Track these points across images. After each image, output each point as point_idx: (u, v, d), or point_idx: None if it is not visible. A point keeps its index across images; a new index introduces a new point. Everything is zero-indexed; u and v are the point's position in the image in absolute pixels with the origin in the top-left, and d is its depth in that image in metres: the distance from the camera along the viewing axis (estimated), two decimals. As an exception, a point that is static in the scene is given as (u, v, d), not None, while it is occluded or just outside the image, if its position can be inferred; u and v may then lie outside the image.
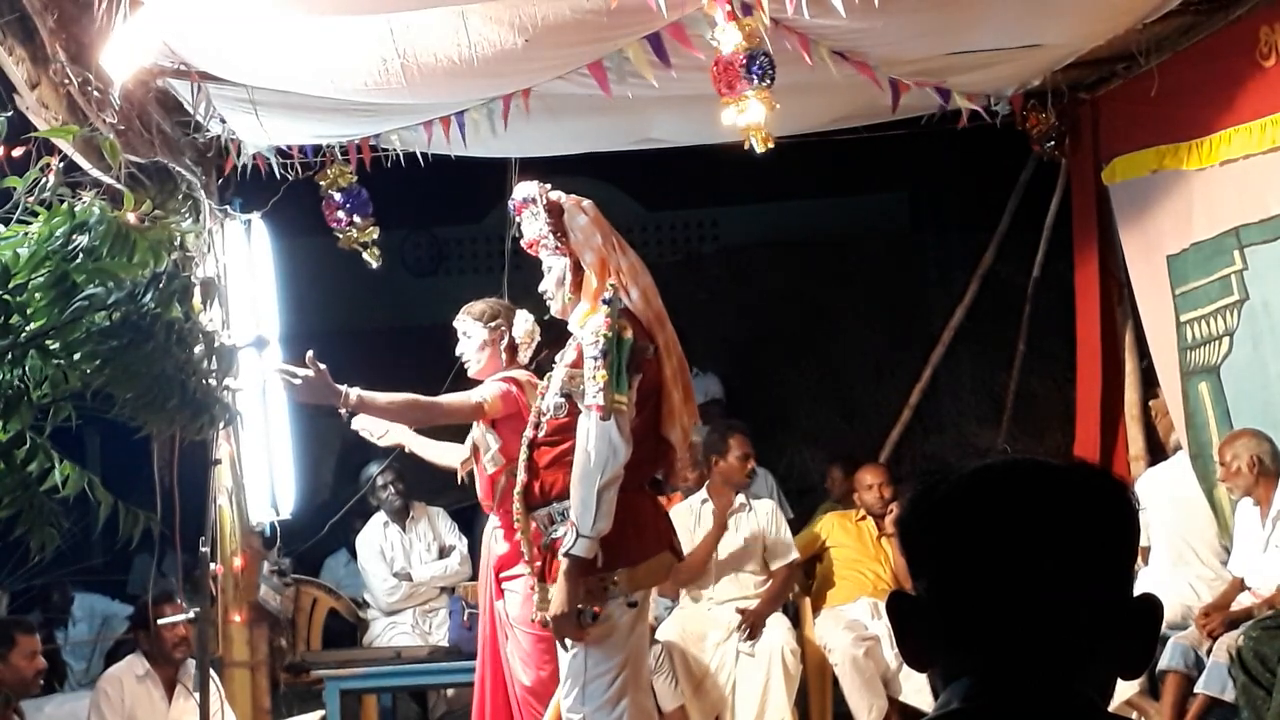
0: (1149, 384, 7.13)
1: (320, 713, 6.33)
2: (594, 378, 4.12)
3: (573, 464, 4.20)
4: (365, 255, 6.52)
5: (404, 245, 11.44)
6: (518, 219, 4.44)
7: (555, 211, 4.36)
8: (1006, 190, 8.13)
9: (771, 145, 4.42)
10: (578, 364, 4.22)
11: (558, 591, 4.19)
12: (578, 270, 4.36)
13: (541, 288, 4.48)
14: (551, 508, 4.34)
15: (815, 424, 9.65)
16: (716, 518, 6.72)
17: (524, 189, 4.43)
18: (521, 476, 4.44)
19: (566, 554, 4.16)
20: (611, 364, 4.11)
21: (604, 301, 4.23)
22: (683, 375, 4.40)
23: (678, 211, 11.78)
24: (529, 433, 4.47)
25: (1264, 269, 6.06)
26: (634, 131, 6.44)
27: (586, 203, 4.40)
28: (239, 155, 6.11)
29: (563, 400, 4.32)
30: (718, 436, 6.84)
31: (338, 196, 6.42)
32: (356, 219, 6.45)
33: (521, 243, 4.48)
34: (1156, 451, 6.94)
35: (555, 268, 4.41)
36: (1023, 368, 8.24)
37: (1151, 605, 1.44)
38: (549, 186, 4.44)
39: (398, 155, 6.29)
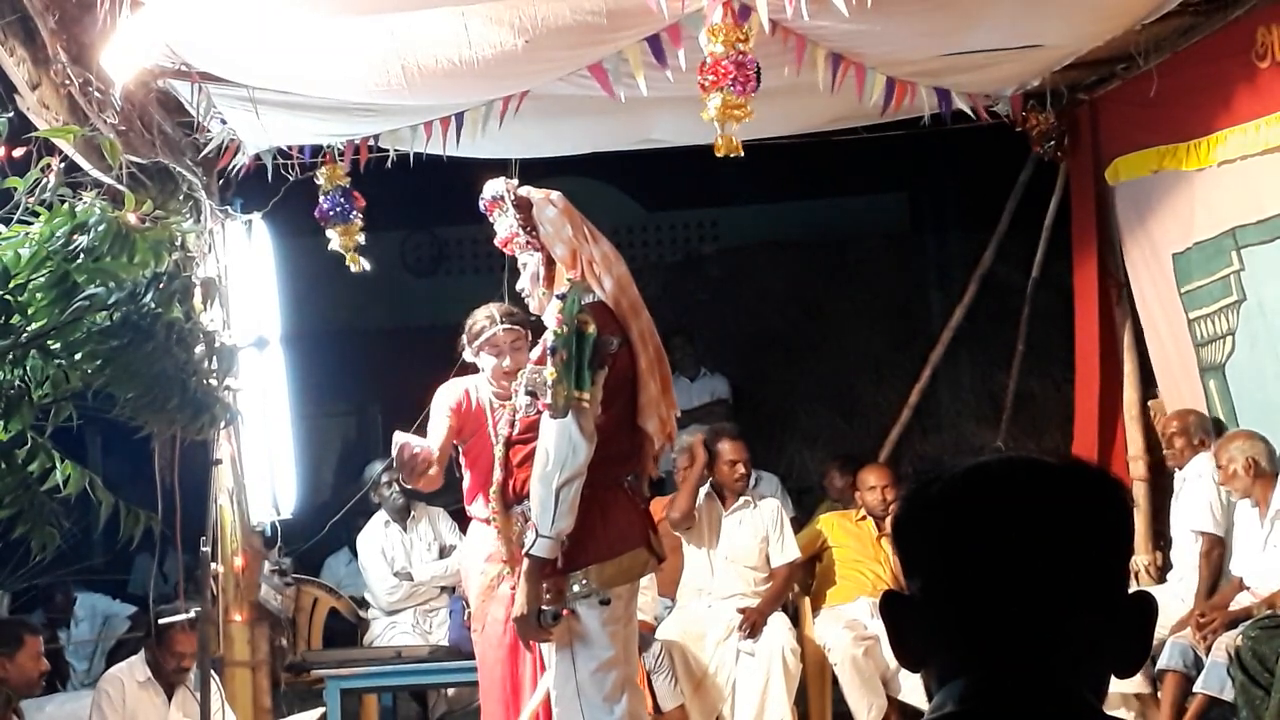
0: (1148, 383, 7.15)
1: (320, 710, 6.34)
2: (546, 374, 4.11)
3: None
4: (347, 260, 6.50)
5: (404, 245, 11.46)
6: (490, 217, 4.41)
7: (524, 207, 4.33)
8: (1006, 191, 8.13)
9: (742, 153, 4.41)
10: (542, 360, 4.19)
11: (519, 593, 4.17)
12: (550, 265, 4.34)
13: (519, 285, 4.45)
14: (525, 505, 4.30)
15: (815, 424, 9.66)
16: (689, 481, 6.74)
17: (492, 187, 4.39)
18: (498, 474, 4.42)
19: (527, 554, 4.14)
20: (568, 360, 4.07)
21: (558, 296, 4.21)
22: (660, 366, 4.34)
23: (678, 211, 11.78)
24: (504, 430, 4.45)
25: (1260, 270, 6.08)
26: (634, 131, 6.45)
27: (555, 195, 4.37)
28: (236, 154, 6.10)
29: (529, 397, 4.30)
30: (710, 441, 6.85)
31: (323, 200, 6.42)
32: (336, 224, 6.43)
33: (495, 241, 4.46)
34: (1155, 451, 6.95)
35: (530, 264, 4.38)
36: (1022, 368, 8.25)
37: (1146, 602, 1.43)
38: (516, 182, 4.41)
39: (398, 155, 6.29)
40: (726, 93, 4.19)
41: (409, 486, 5.06)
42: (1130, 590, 1.44)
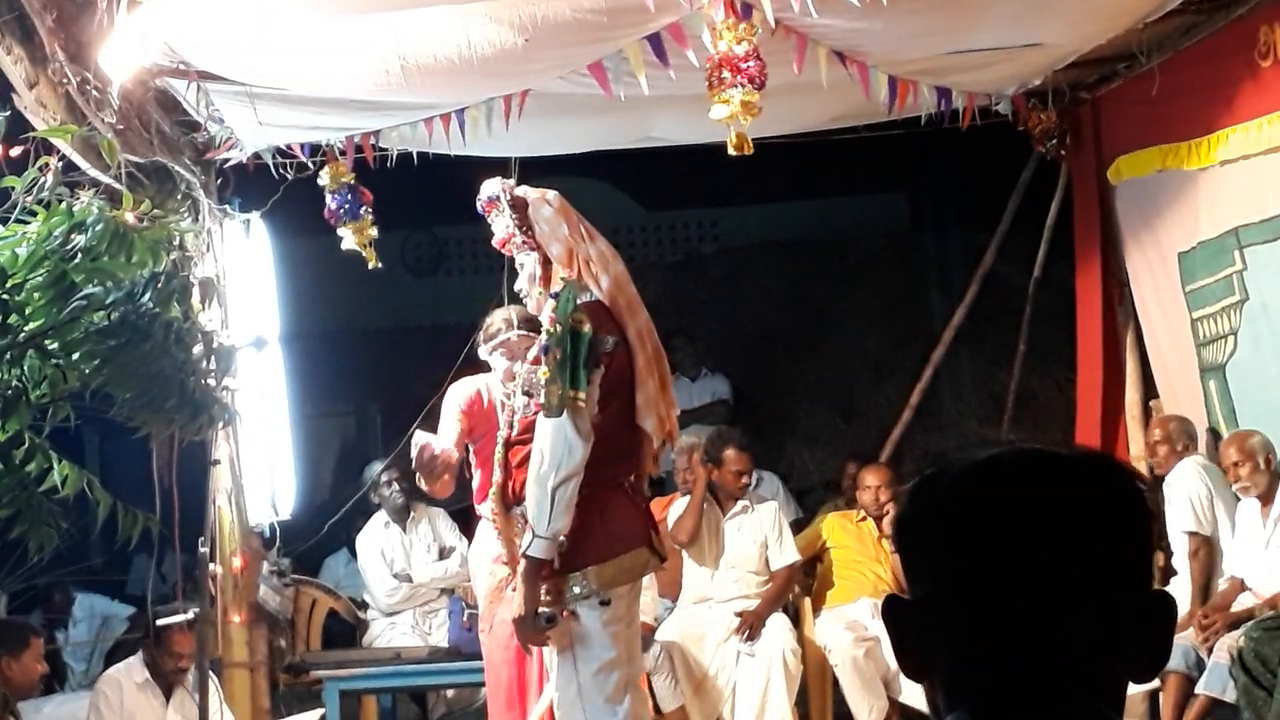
0: (1150, 383, 7.13)
1: (319, 711, 6.33)
2: (540, 374, 4.10)
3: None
4: (366, 256, 6.48)
5: (404, 245, 11.44)
6: (487, 218, 4.42)
7: (520, 206, 4.34)
8: (1007, 190, 8.12)
9: (750, 151, 4.40)
10: (538, 360, 4.19)
11: (516, 594, 4.16)
12: (547, 264, 4.33)
13: (517, 286, 4.45)
14: (524, 507, 4.28)
15: (815, 424, 9.65)
16: (695, 495, 6.72)
17: (489, 187, 4.40)
18: (498, 475, 4.41)
19: (524, 555, 4.13)
20: (561, 360, 4.06)
21: (551, 296, 4.20)
22: (659, 365, 4.33)
23: (678, 211, 11.78)
24: (503, 431, 4.44)
25: (1263, 269, 6.06)
26: (634, 131, 6.43)
27: (551, 194, 4.37)
28: (231, 149, 6.07)
29: (526, 398, 4.29)
30: (716, 447, 6.82)
31: (330, 199, 6.38)
32: (347, 221, 6.40)
33: (493, 242, 4.45)
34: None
35: (527, 264, 4.38)
36: (1023, 368, 8.23)
37: (1165, 602, 1.33)
38: (513, 182, 4.42)
39: (398, 155, 6.27)
40: (744, 89, 4.17)
41: (424, 488, 5.03)
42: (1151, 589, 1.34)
